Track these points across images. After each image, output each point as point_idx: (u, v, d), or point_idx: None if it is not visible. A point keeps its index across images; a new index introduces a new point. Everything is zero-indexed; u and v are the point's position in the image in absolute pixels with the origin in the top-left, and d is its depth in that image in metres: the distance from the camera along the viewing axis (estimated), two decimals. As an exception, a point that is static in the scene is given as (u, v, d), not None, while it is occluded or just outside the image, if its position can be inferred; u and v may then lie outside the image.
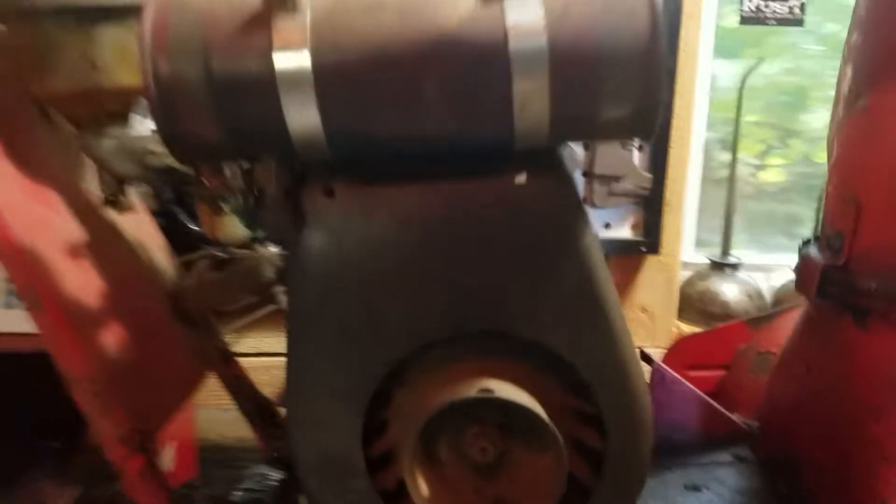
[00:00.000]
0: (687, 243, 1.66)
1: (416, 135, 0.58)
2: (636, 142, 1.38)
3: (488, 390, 0.63)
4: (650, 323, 1.47)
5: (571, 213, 0.62)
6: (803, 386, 0.94)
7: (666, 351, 1.30)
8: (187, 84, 0.55)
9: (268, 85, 0.55)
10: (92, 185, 0.82)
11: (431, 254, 0.62)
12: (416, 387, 0.67)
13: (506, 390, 0.64)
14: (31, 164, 0.76)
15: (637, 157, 1.38)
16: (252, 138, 0.58)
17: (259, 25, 0.55)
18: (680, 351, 1.28)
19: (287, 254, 0.68)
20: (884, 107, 0.80)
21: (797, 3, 1.63)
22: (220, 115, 0.56)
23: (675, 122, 1.37)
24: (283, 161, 0.60)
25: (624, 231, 1.42)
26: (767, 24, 1.63)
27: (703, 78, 1.62)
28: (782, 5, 1.62)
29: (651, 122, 0.56)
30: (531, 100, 0.55)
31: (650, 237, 1.40)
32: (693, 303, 1.53)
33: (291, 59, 0.55)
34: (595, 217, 1.43)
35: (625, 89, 0.55)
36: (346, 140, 0.58)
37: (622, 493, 0.69)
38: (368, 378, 0.65)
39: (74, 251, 0.78)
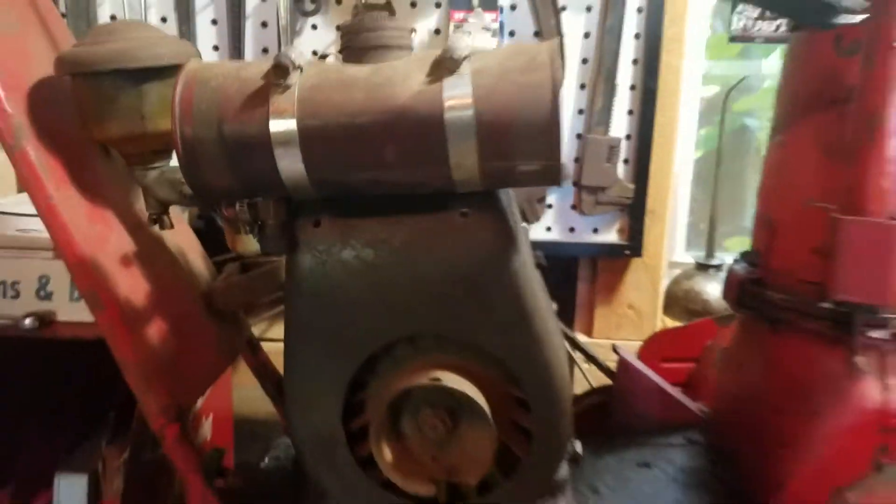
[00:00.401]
0: (679, 244, 1.79)
1: (379, 183, 0.74)
2: (621, 156, 1.52)
3: (437, 380, 0.79)
4: (637, 319, 1.60)
5: (503, 241, 0.77)
6: (736, 381, 1.08)
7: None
8: (205, 144, 0.72)
9: (265, 144, 0.72)
10: (141, 208, 1.00)
11: (395, 273, 0.78)
12: (385, 376, 0.83)
13: (452, 380, 0.80)
14: (92, 191, 0.94)
15: (622, 169, 1.51)
16: (255, 184, 0.74)
17: (259, 100, 0.72)
18: (654, 345, 1.41)
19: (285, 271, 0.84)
20: (792, 143, 0.93)
21: (784, 22, 1.74)
22: (229, 167, 0.73)
23: (657, 139, 1.50)
24: (279, 200, 0.77)
25: (611, 236, 1.56)
26: (755, 42, 1.73)
27: (691, 83, 1.72)
28: (770, 24, 1.73)
29: (556, 174, 0.71)
30: (464, 158, 0.70)
31: (634, 242, 1.53)
32: (678, 301, 1.65)
33: (282, 125, 0.71)
34: (586, 223, 1.57)
35: (533, 151, 0.69)
36: (325, 185, 0.74)
37: (547, 461, 0.84)
38: (346, 369, 0.82)
39: (126, 261, 0.96)
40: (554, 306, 1.48)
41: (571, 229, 1.55)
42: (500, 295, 0.78)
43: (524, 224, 1.42)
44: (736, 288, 0.96)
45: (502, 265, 0.77)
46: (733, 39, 1.72)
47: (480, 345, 0.81)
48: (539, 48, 0.71)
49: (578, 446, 1.07)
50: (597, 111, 1.46)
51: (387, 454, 0.82)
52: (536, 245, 1.54)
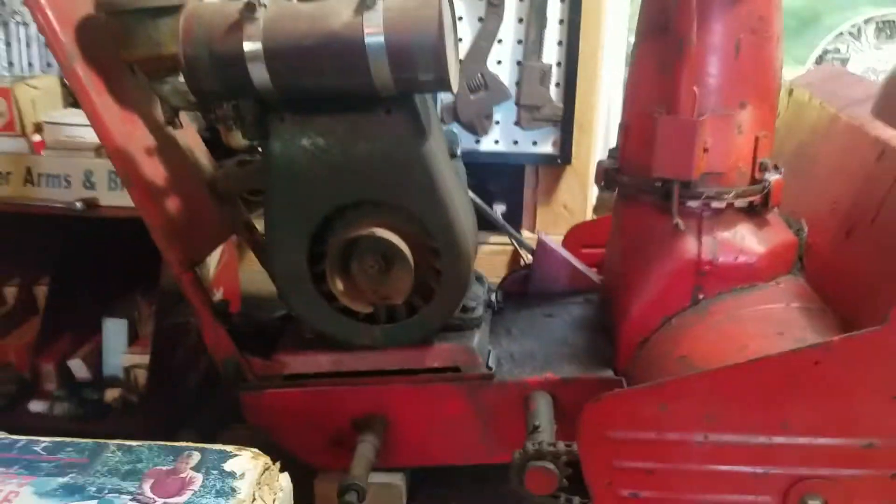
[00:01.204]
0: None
1: (322, 87, 1.02)
2: (553, 79, 1.77)
3: (372, 232, 1.09)
4: (570, 217, 1.88)
5: (415, 130, 1.04)
6: (610, 247, 1.36)
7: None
8: (200, 61, 1.00)
9: (241, 59, 0.99)
10: (158, 113, 1.28)
11: (339, 154, 1.06)
12: (339, 232, 1.13)
13: (383, 232, 1.09)
14: (123, 99, 1.22)
15: (554, 91, 1.77)
16: (236, 89, 1.02)
17: (236, 28, 0.99)
18: (575, 234, 1.67)
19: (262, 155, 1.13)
20: (639, 62, 1.19)
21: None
22: (217, 77, 1.00)
23: (582, 65, 1.75)
24: (255, 101, 1.05)
25: (548, 147, 1.83)
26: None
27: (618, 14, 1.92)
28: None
29: (446, 83, 0.98)
30: (379, 71, 0.98)
31: (564, 152, 1.80)
32: (607, 202, 1.93)
33: (252, 46, 0.98)
34: (526, 136, 1.83)
35: (427, 66, 0.96)
36: (285, 89, 1.02)
37: (454, 293, 1.13)
38: (308, 224, 1.10)
39: (149, 151, 1.25)
40: (503, 207, 1.78)
41: (515, 142, 1.82)
42: (413, 169, 1.06)
43: (477, 136, 1.70)
44: (602, 175, 1.23)
45: (415, 147, 1.05)
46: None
47: (404, 206, 1.09)
48: (432, -8, 0.98)
49: (495, 296, 1.37)
50: (531, 42, 1.72)
51: (339, 285, 1.12)
52: (488, 154, 1.82)
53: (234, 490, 0.98)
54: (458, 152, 1.32)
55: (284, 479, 1.07)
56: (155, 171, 1.24)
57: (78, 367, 1.47)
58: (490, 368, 1.23)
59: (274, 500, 1.03)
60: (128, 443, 1.09)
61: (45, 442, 1.08)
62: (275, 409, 1.29)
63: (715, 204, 1.11)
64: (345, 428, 1.27)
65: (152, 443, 1.09)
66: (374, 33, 0.95)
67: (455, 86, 1.01)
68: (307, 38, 0.97)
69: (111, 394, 1.39)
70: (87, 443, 1.07)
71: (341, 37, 0.96)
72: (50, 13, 1.13)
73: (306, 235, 1.11)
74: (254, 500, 0.99)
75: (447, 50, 0.95)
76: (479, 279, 1.42)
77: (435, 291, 1.14)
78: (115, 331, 1.47)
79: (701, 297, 1.15)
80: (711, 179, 1.12)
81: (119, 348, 1.49)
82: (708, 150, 1.07)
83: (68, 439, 1.10)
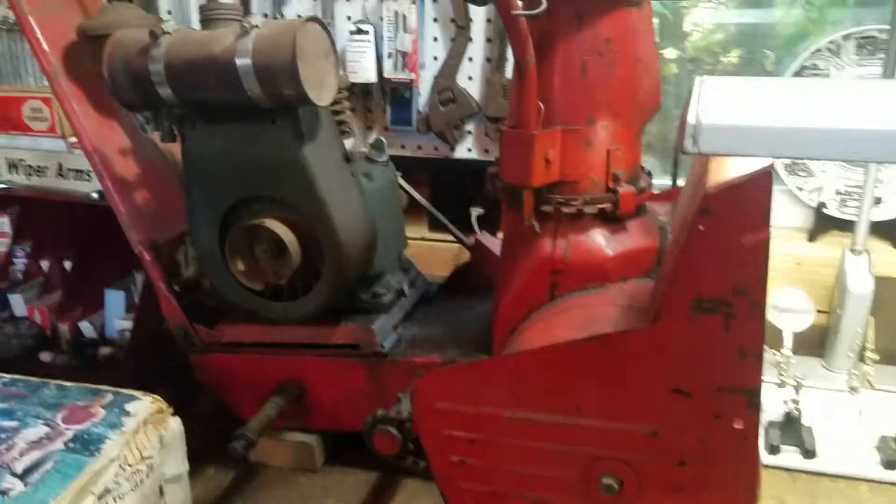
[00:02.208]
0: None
1: (215, 101, 1.19)
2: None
3: (261, 222, 1.25)
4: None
5: (297, 137, 1.19)
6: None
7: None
8: (119, 78, 1.20)
9: (147, 78, 1.18)
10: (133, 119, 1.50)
11: (237, 156, 1.23)
12: (242, 220, 1.30)
13: (272, 224, 1.25)
14: (101, 107, 1.45)
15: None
16: (151, 102, 1.22)
17: (144, 51, 1.18)
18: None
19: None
20: (513, 84, 1.28)
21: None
22: (135, 91, 1.20)
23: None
24: (171, 111, 1.24)
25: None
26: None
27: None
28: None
29: (305, 98, 1.12)
30: (251, 86, 1.14)
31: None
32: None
33: (156, 67, 1.17)
34: (495, 146, 1.93)
35: (286, 82, 1.11)
36: (187, 102, 1.20)
37: (337, 276, 1.27)
38: (217, 213, 1.27)
39: (123, 151, 1.47)
40: (480, 210, 1.89)
41: (486, 150, 1.92)
42: (293, 169, 1.21)
43: (450, 145, 1.81)
44: (489, 181, 1.32)
45: (295, 151, 1.20)
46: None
47: (291, 203, 1.25)
48: (294, 23, 1.12)
49: (404, 285, 1.50)
50: (494, 59, 1.81)
51: (239, 265, 1.29)
52: (463, 162, 1.93)
53: (123, 424, 1.16)
54: (385, 158, 1.46)
55: (175, 422, 1.25)
56: (125, 167, 1.45)
57: (87, 328, 1.73)
58: (383, 347, 1.36)
59: (161, 438, 1.20)
60: (66, 383, 1.30)
61: (6, 378, 1.31)
62: (216, 370, 1.48)
63: (566, 209, 1.18)
64: (270, 390, 1.44)
65: (84, 385, 1.30)
66: (243, 56, 1.12)
67: (322, 100, 1.15)
68: (196, 59, 1.15)
69: (104, 351, 1.64)
70: (34, 381, 1.29)
71: (219, 59, 1.13)
72: (41, 37, 1.38)
73: (217, 223, 1.29)
74: (137, 433, 1.17)
75: (303, 69, 1.10)
76: (407, 270, 1.55)
77: (321, 274, 1.28)
78: (114, 300, 1.72)
79: (556, 293, 1.22)
80: (567, 187, 1.19)
81: (118, 314, 1.73)
82: (551, 161, 1.15)
83: (27, 378, 1.33)
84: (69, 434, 1.14)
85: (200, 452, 1.35)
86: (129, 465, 1.13)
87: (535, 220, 1.19)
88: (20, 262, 1.89)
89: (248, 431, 1.26)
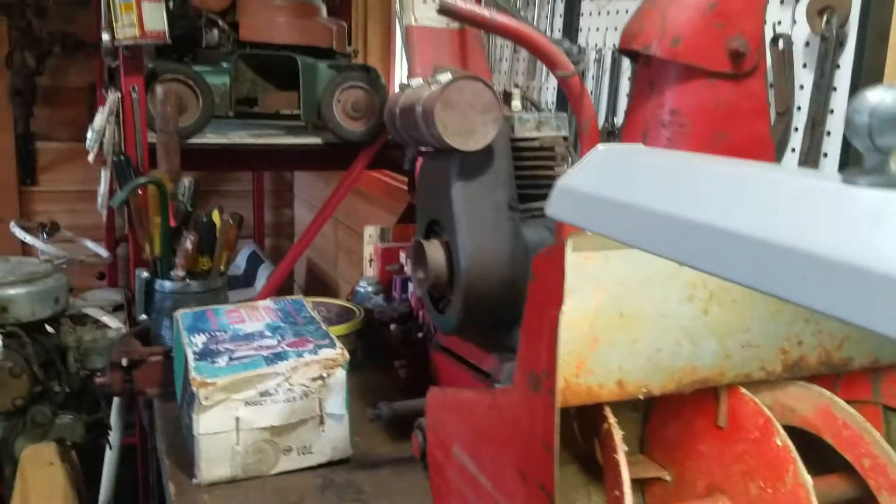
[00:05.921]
0: None
1: (417, 139, 1.43)
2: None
3: (420, 239, 1.43)
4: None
5: (454, 174, 1.35)
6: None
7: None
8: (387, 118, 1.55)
9: (391, 119, 1.50)
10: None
11: (432, 184, 1.45)
12: (426, 236, 1.49)
13: (425, 240, 1.42)
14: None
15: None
16: (398, 138, 1.53)
17: (395, 98, 1.50)
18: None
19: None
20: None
21: None
22: (392, 128, 1.54)
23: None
24: (410, 146, 1.53)
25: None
26: None
27: None
28: None
29: (441, 141, 1.27)
30: (421, 128, 1.34)
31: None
32: None
33: (391, 108, 1.48)
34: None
35: (430, 126, 1.28)
36: (412, 140, 1.48)
37: (463, 304, 1.36)
38: (420, 230, 1.52)
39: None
40: None
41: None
42: (446, 200, 1.37)
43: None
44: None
45: (448, 185, 1.36)
46: None
47: (444, 227, 1.40)
48: (455, 80, 1.28)
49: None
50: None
51: (419, 274, 1.51)
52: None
53: (304, 356, 1.52)
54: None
55: (340, 373, 1.54)
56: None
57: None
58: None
59: (324, 378, 1.51)
60: (331, 329, 1.72)
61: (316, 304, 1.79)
62: (437, 366, 1.71)
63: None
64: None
65: (332, 333, 1.69)
66: (418, 104, 1.34)
67: (468, 147, 1.29)
68: (404, 105, 1.42)
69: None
70: (319, 321, 1.75)
71: (408, 105, 1.38)
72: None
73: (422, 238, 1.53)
74: (308, 365, 1.50)
75: (445, 117, 1.27)
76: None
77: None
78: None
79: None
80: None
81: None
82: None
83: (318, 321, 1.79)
84: (278, 349, 1.53)
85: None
86: (292, 386, 1.46)
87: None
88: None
89: (383, 411, 1.46)
